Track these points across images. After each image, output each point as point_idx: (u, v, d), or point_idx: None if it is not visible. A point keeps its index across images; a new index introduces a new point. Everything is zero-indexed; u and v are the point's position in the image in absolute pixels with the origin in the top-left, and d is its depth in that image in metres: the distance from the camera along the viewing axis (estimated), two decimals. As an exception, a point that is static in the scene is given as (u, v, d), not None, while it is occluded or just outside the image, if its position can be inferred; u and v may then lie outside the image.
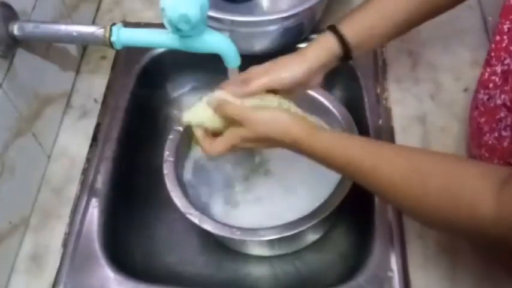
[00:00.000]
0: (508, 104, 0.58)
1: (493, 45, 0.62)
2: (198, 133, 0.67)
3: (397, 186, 0.53)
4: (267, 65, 0.67)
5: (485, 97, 0.63)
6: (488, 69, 0.63)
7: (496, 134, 0.60)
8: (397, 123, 0.81)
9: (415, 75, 0.87)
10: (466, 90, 0.83)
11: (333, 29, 0.68)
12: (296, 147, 0.61)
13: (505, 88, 0.59)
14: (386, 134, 0.81)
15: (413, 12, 0.67)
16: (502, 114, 0.59)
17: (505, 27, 0.59)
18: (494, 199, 0.46)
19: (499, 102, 0.60)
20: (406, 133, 0.80)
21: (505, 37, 0.59)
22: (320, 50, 0.68)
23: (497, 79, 0.61)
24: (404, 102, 0.84)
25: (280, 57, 0.68)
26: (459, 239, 0.70)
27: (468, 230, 0.49)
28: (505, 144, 0.59)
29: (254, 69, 0.67)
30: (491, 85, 0.62)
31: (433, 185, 0.51)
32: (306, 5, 0.81)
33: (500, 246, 0.49)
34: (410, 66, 0.88)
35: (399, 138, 0.80)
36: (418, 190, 0.52)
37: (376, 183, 0.55)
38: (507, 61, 0.59)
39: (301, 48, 0.70)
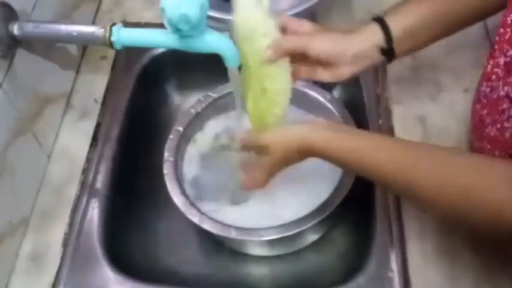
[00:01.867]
0: (511, 95, 0.58)
1: (496, 38, 0.62)
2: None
3: (427, 186, 0.54)
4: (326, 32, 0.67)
5: (488, 89, 0.63)
6: (491, 62, 0.63)
7: (499, 126, 0.60)
8: (397, 123, 0.81)
9: (415, 75, 0.87)
10: (466, 90, 0.83)
11: (379, 20, 0.67)
12: (318, 156, 0.62)
13: (508, 80, 0.59)
14: (387, 134, 0.80)
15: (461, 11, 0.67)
16: (505, 106, 0.59)
17: (509, 19, 0.59)
18: None
19: (502, 93, 0.60)
20: (406, 133, 0.80)
21: (508, 29, 0.59)
22: (365, 37, 0.67)
23: (499, 71, 0.61)
24: (404, 103, 0.84)
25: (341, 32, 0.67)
26: (459, 239, 0.70)
27: (486, 227, 0.50)
28: (507, 135, 0.59)
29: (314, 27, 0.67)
30: (493, 77, 0.62)
31: (457, 179, 0.51)
32: (306, 5, 0.81)
33: None
34: (410, 66, 0.88)
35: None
36: (440, 185, 0.52)
37: (407, 181, 0.56)
38: (510, 53, 0.59)
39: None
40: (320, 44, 0.66)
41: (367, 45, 0.67)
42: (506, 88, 0.59)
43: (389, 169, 0.56)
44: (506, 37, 0.59)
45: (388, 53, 0.68)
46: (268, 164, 0.65)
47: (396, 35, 0.66)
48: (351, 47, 0.66)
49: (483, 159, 0.56)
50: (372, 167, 0.58)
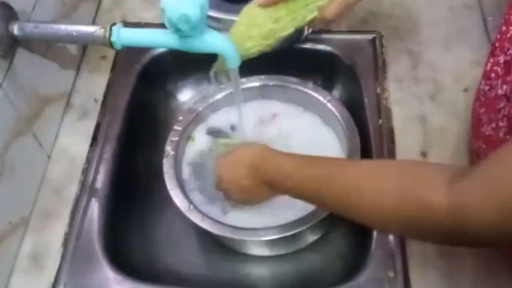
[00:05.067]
0: (509, 94, 0.58)
1: (498, 36, 0.61)
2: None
3: (359, 188, 0.53)
4: None
5: (487, 87, 0.63)
6: (491, 60, 0.62)
7: (494, 125, 0.60)
8: (397, 123, 0.81)
9: (415, 75, 0.87)
10: (466, 90, 0.83)
11: None
12: (267, 172, 0.65)
13: (507, 78, 0.58)
14: (386, 134, 0.80)
15: None
16: (502, 105, 0.59)
17: None
18: (446, 191, 0.45)
19: (500, 92, 0.59)
20: (406, 133, 0.80)
21: (510, 28, 0.59)
22: None
23: (499, 69, 0.60)
24: (404, 102, 0.84)
25: None
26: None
27: (422, 225, 0.48)
28: (501, 134, 0.58)
29: None
30: (493, 75, 0.61)
31: (389, 183, 0.51)
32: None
33: (453, 239, 0.48)
34: (410, 66, 0.88)
35: (399, 138, 0.80)
36: (375, 189, 0.52)
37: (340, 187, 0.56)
38: (510, 51, 0.58)
39: None
40: None
41: None
42: (505, 87, 0.59)
43: (329, 179, 0.57)
44: (508, 35, 0.59)
45: None
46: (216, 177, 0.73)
47: None
48: None
49: (410, 162, 0.57)
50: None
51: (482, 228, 0.43)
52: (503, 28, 0.60)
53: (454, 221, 0.45)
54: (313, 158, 0.63)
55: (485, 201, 0.43)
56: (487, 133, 0.61)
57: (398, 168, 0.53)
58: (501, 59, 0.60)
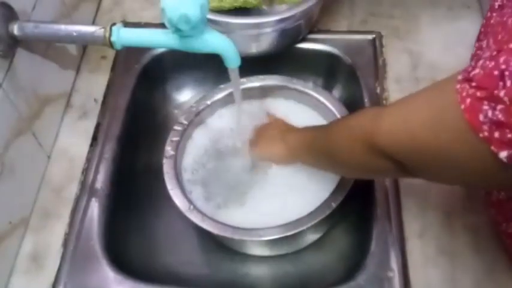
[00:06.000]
0: None
1: (484, 21, 0.63)
2: None
3: (329, 147, 0.65)
4: None
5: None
6: (476, 45, 0.64)
7: None
8: (397, 123, 0.81)
9: (415, 75, 0.87)
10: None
11: None
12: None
13: None
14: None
15: None
16: None
17: (496, 4, 0.59)
18: (372, 119, 0.55)
19: None
20: (406, 133, 0.80)
21: (494, 14, 0.60)
22: None
23: (481, 53, 0.61)
24: (404, 102, 0.84)
25: None
26: (459, 239, 0.70)
27: (369, 157, 0.55)
28: None
29: None
30: (475, 59, 0.63)
31: (339, 131, 0.64)
32: (304, 6, 0.81)
33: (394, 162, 0.54)
34: (410, 66, 0.88)
35: (399, 138, 0.80)
36: (340, 144, 0.62)
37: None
38: None
39: None
40: None
41: None
42: None
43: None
44: (492, 21, 0.60)
45: None
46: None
47: None
48: None
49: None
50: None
51: (397, 149, 0.51)
52: (488, 14, 0.61)
53: (390, 142, 0.52)
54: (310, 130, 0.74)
55: (396, 126, 0.51)
56: None
57: (351, 119, 0.65)
58: (483, 43, 0.61)
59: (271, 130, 0.81)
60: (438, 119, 0.46)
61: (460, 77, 0.45)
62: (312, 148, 0.71)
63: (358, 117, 0.61)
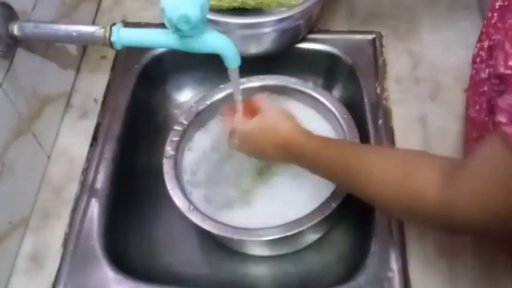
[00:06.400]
0: (491, 77, 0.59)
1: (484, 22, 0.63)
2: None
3: (367, 175, 0.59)
4: None
5: (473, 71, 0.65)
6: (478, 45, 0.64)
7: (477, 107, 0.61)
8: (397, 123, 0.81)
9: (415, 75, 0.87)
10: (466, 90, 0.83)
11: None
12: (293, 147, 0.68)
13: (490, 62, 0.60)
14: (387, 134, 0.80)
15: None
16: (485, 88, 0.60)
17: (497, 4, 0.60)
18: (439, 187, 0.50)
19: (483, 76, 0.61)
20: (406, 133, 0.80)
21: (495, 14, 0.60)
22: None
23: (483, 54, 0.62)
24: (404, 102, 0.84)
25: None
26: (459, 239, 0.70)
27: (418, 214, 0.54)
28: (482, 116, 0.60)
29: None
30: (478, 60, 0.63)
31: (393, 175, 0.57)
32: (303, 6, 0.81)
33: (443, 228, 0.55)
34: (410, 66, 0.88)
35: (399, 138, 0.80)
36: (380, 179, 0.58)
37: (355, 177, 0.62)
38: (494, 37, 0.60)
39: None
40: None
41: None
42: (487, 70, 0.60)
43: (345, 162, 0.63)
44: (493, 21, 0.60)
45: None
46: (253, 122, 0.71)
47: None
48: None
49: (412, 153, 0.61)
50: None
51: (468, 222, 0.49)
52: (489, 14, 0.61)
53: (444, 214, 0.50)
54: (332, 141, 0.70)
55: (471, 199, 0.48)
56: (472, 115, 0.63)
57: (402, 160, 0.58)
58: (485, 44, 0.62)
59: (267, 145, 0.70)
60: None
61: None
62: (333, 177, 0.66)
63: (415, 175, 0.54)
